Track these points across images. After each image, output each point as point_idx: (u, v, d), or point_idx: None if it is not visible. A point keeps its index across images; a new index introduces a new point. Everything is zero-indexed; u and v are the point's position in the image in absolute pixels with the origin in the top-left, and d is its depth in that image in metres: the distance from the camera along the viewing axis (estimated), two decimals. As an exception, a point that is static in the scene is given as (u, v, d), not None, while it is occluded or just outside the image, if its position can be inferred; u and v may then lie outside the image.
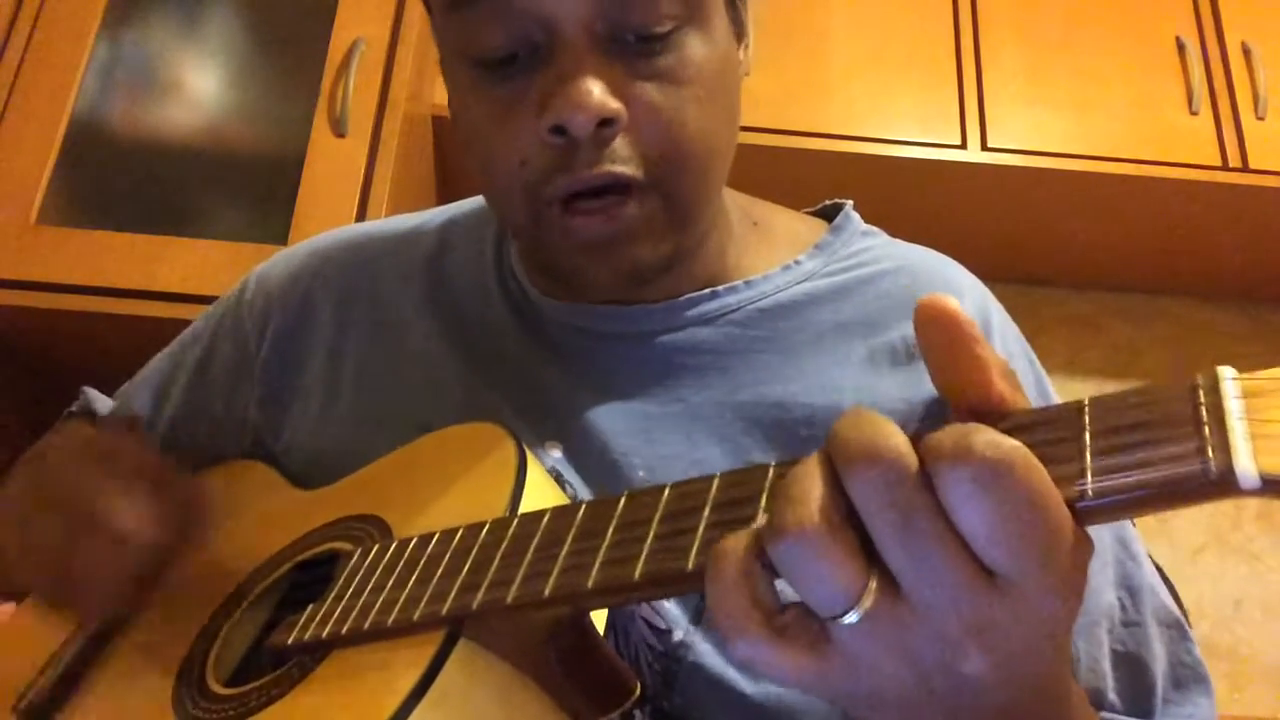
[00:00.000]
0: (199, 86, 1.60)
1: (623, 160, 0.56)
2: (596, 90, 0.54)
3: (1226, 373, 0.31)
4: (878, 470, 0.32)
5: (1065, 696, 0.39)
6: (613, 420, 0.62)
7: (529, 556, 0.43)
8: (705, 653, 0.56)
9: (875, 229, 0.73)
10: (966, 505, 0.31)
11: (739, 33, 0.63)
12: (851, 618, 0.32)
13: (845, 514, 0.33)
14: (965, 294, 0.68)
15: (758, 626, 0.33)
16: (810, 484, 0.33)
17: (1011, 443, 0.31)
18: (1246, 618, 1.82)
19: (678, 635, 0.56)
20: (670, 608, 0.56)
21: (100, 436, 0.68)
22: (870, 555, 0.33)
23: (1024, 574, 0.32)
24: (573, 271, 0.60)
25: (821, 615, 0.33)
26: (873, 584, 0.32)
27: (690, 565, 0.37)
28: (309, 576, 0.57)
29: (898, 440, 0.33)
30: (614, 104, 0.54)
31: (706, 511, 0.39)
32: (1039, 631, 0.33)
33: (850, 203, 0.73)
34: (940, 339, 0.35)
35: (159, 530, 0.56)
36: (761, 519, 0.35)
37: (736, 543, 0.34)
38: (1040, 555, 0.31)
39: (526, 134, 0.56)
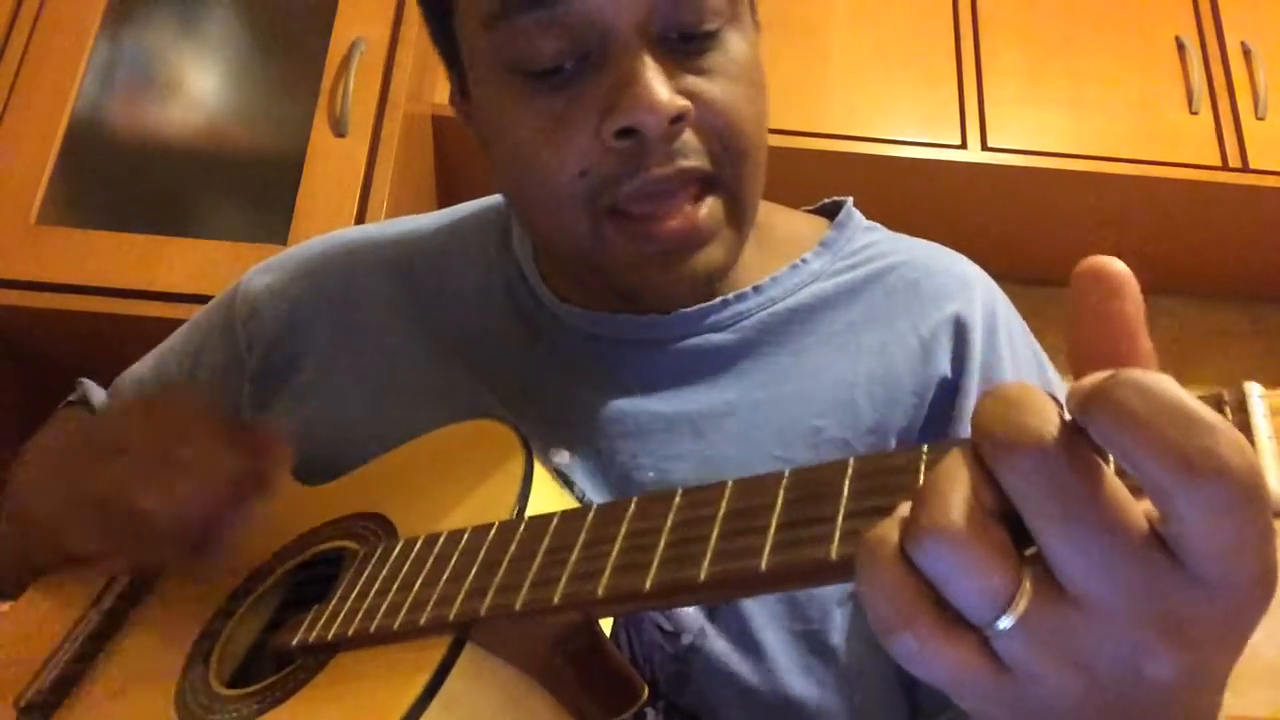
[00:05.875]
0: (199, 86, 1.60)
1: (694, 153, 0.56)
2: (665, 90, 0.53)
3: (1254, 389, 0.30)
4: (1035, 455, 0.28)
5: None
6: (621, 422, 0.61)
7: (537, 561, 0.42)
8: (717, 651, 0.56)
9: (876, 225, 0.73)
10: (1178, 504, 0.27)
11: (756, 30, 0.64)
12: (1005, 623, 0.29)
13: (994, 509, 0.29)
14: (973, 285, 0.68)
15: (925, 616, 0.29)
16: (952, 477, 0.29)
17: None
18: (1246, 618, 1.82)
19: (687, 639, 0.56)
20: (681, 611, 0.56)
21: (159, 392, 0.66)
22: (1022, 554, 0.29)
23: (1230, 569, 0.27)
24: (641, 285, 0.59)
25: (972, 622, 0.29)
26: (1027, 584, 0.29)
27: (703, 576, 0.36)
28: (313, 575, 0.57)
29: (1056, 417, 0.29)
30: (682, 101, 0.54)
31: (719, 520, 0.38)
32: (1237, 624, 0.29)
33: (850, 199, 0.73)
34: (1103, 297, 0.32)
35: (235, 474, 0.55)
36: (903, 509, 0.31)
37: (887, 531, 0.30)
38: (1254, 547, 0.27)
39: (586, 142, 0.55)
